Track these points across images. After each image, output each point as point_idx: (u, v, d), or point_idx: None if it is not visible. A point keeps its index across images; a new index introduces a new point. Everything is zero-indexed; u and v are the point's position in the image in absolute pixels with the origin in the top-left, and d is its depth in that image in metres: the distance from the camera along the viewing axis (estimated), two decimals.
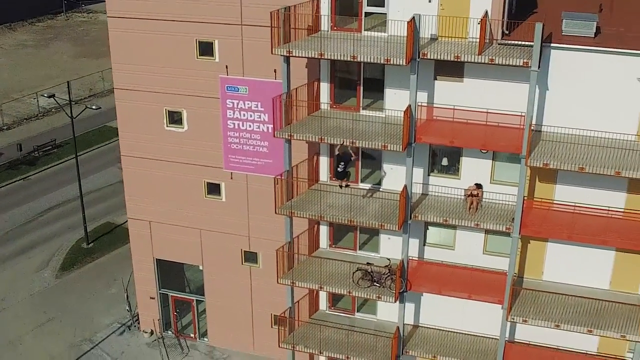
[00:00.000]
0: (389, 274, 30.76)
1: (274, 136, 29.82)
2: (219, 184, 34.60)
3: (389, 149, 28.08)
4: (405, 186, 29.34)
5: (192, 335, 39.16)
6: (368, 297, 31.09)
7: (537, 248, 31.16)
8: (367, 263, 31.57)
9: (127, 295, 40.13)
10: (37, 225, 51.22)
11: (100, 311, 41.77)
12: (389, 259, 31.94)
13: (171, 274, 38.59)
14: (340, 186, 30.45)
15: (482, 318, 32.46)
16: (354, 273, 31.33)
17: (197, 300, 38.25)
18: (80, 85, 75.09)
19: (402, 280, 31.03)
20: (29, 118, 69.34)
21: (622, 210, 29.31)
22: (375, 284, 31.07)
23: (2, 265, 46.51)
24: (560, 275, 31.28)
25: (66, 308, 42.13)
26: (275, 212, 30.89)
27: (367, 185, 32.09)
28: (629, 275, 30.44)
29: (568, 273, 31.11)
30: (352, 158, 29.66)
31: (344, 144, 28.87)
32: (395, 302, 30.78)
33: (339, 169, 29.78)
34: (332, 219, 30.19)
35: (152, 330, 39.19)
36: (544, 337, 31.94)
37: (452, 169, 31.05)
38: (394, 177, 31.19)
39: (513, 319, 29.82)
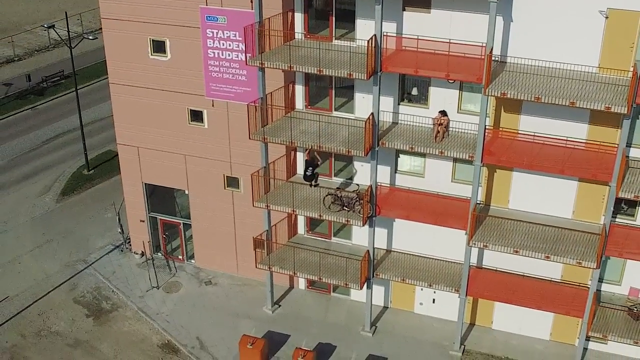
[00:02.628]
0: (357, 199, 31.94)
1: (246, 64, 30.85)
2: (201, 111, 35.76)
3: (354, 76, 28.99)
4: (372, 114, 30.29)
5: (180, 257, 40.81)
6: (338, 220, 32.33)
7: (503, 177, 32.16)
8: (337, 188, 32.78)
9: (119, 219, 41.72)
10: (42, 153, 52.93)
11: (96, 234, 43.50)
12: (357, 185, 33.15)
13: (162, 198, 40.01)
14: (311, 185, 33.03)
15: (450, 244, 33.70)
16: (324, 198, 32.57)
17: (184, 223, 39.76)
18: (92, 17, 76.23)
19: (371, 206, 32.21)
20: (40, 50, 70.72)
21: (583, 141, 30.09)
22: (345, 208, 32.29)
23: (7, 190, 48.29)
24: (525, 204, 32.30)
25: (64, 231, 43.90)
26: (249, 138, 32.10)
27: (340, 114, 33.10)
28: (591, 205, 31.38)
29: (533, 202, 32.12)
30: (319, 163, 32.83)
31: (312, 149, 31.51)
32: (363, 226, 32.01)
33: (307, 173, 32.47)
34: (303, 145, 31.31)
35: (142, 252, 40.86)
36: (511, 264, 33.14)
37: (422, 98, 31.92)
38: (366, 105, 32.15)
39: (474, 244, 30.97)
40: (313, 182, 33.13)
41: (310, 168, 32.48)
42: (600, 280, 32.86)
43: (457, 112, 31.41)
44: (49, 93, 61.60)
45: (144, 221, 40.10)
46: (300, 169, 35.21)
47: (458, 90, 31.10)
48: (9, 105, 59.47)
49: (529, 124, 30.52)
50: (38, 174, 50.20)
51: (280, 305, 37.47)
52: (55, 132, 55.82)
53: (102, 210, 45.64)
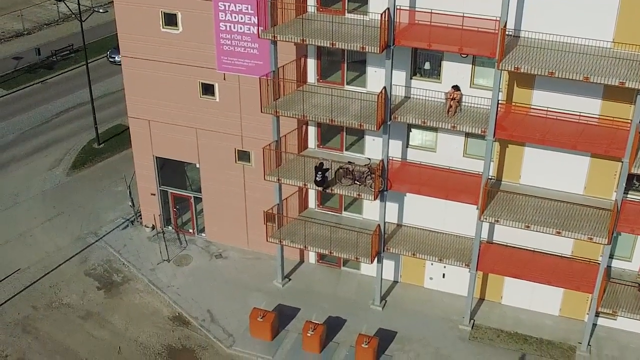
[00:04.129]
0: (369, 173, 31.94)
1: (259, 37, 30.76)
2: (212, 85, 35.70)
3: (366, 50, 28.89)
4: (385, 88, 30.21)
5: (190, 230, 40.94)
6: (349, 194, 32.35)
7: (515, 152, 32.10)
8: (348, 162, 32.76)
9: (129, 192, 41.81)
10: (52, 126, 53.00)
11: (106, 207, 43.64)
12: (369, 159, 33.16)
13: (173, 172, 40.09)
14: (324, 190, 32.85)
15: (461, 219, 33.74)
16: (336, 172, 32.58)
17: (195, 197, 39.84)
18: None
19: (382, 180, 32.21)
20: (49, 23, 70.57)
21: (597, 116, 29.98)
22: (356, 182, 32.31)
23: (18, 163, 48.42)
24: (537, 180, 32.27)
25: (75, 204, 44.05)
26: (261, 111, 32.08)
27: (352, 88, 33.03)
28: (603, 181, 31.32)
29: (545, 177, 32.09)
30: (328, 168, 32.46)
31: (322, 160, 32.36)
32: (374, 200, 32.03)
33: (317, 179, 32.08)
34: (314, 118, 31.30)
35: (153, 225, 41.00)
36: (522, 240, 33.16)
37: (434, 72, 31.81)
38: (378, 79, 32.07)
39: (485, 219, 30.97)
40: (323, 189, 33.06)
41: (320, 173, 32.36)
42: (611, 256, 32.89)
43: (470, 86, 31.31)
44: (59, 67, 61.56)
45: (154, 194, 40.21)
46: (312, 142, 35.19)
47: (471, 65, 30.97)
48: (19, 79, 59.47)
49: (542, 99, 30.40)
50: (49, 147, 50.29)
51: (290, 279, 37.62)
52: (66, 105, 55.84)
53: (112, 183, 45.76)
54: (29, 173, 47.33)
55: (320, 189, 32.57)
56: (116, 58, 58.75)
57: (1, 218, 42.80)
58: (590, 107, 29.94)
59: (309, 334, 32.80)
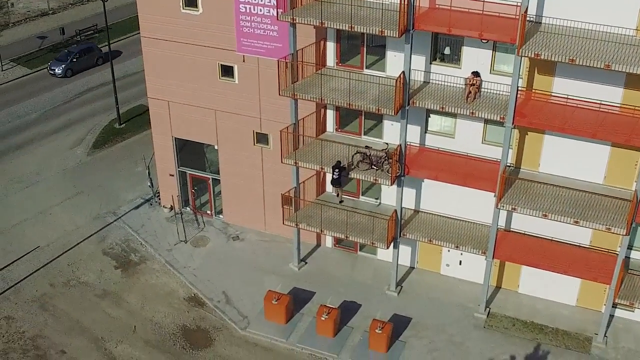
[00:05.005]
0: (386, 157, 31.76)
1: (278, 19, 30.61)
2: (232, 67, 35.62)
3: (385, 34, 28.64)
4: (403, 72, 29.97)
5: (208, 212, 41.02)
6: (366, 179, 32.21)
7: (534, 140, 31.77)
8: (366, 146, 32.59)
9: (148, 172, 41.91)
10: (75, 106, 53.31)
11: (126, 187, 43.84)
12: (386, 144, 32.97)
13: (192, 153, 40.12)
14: (337, 195, 34.28)
15: (479, 206, 33.51)
16: (353, 156, 32.44)
17: (213, 179, 39.88)
18: None
19: (400, 165, 32.03)
20: (74, 3, 70.87)
21: (618, 105, 29.57)
22: (373, 167, 32.15)
23: (40, 142, 48.79)
24: (556, 168, 31.94)
25: (94, 183, 44.31)
26: (279, 94, 31.97)
27: (371, 72, 32.81)
28: (623, 170, 30.92)
29: (564, 166, 31.75)
30: (345, 166, 32.51)
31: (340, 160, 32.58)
32: (391, 185, 31.87)
33: (334, 176, 32.38)
34: (332, 102, 31.14)
35: (171, 206, 41.13)
36: (540, 229, 32.87)
37: (454, 58, 31.51)
38: (397, 63, 31.83)
39: (503, 206, 30.70)
40: (339, 191, 34.11)
41: (337, 170, 32.33)
42: (630, 247, 32.52)
43: (490, 72, 31.00)
44: None
45: (173, 175, 40.31)
46: (330, 126, 35.05)
47: (491, 51, 30.63)
48: (43, 58, 59.83)
49: (563, 87, 30.02)
50: (70, 126, 50.62)
51: (306, 263, 37.61)
52: (88, 85, 56.14)
53: (132, 163, 45.93)
54: (51, 152, 47.66)
55: (336, 188, 33.03)
56: (56, 70, 56.85)
57: (22, 196, 43.16)
58: (611, 95, 29.52)
59: (323, 318, 32.79)
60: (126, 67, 58.04)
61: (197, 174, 40.26)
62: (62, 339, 33.70)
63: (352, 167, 32.31)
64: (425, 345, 32.94)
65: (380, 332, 31.96)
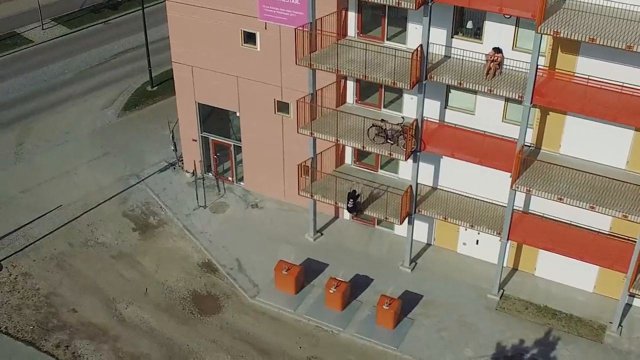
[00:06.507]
0: (401, 132, 31.20)
1: None
2: (254, 33, 35.26)
3: (402, 5, 27.95)
4: (421, 45, 29.28)
5: (230, 178, 40.96)
6: (381, 153, 31.70)
7: (556, 120, 30.87)
8: (382, 120, 32.02)
9: (172, 136, 41.91)
10: (110, 67, 53.57)
11: (152, 150, 44.00)
12: (402, 118, 32.38)
13: (219, 120, 39.99)
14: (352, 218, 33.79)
15: (498, 186, 32.74)
16: (369, 129, 31.93)
17: (235, 146, 39.73)
18: None
19: (415, 140, 31.43)
20: None
21: None
22: (388, 141, 31.61)
23: (73, 102, 49.20)
24: (578, 150, 31.04)
25: (121, 145, 44.57)
26: (296, 63, 31.56)
27: (392, 44, 32.16)
28: None
29: (586, 149, 30.84)
30: (359, 194, 33.16)
31: (354, 185, 33.35)
32: (405, 160, 31.32)
33: (349, 205, 32.80)
34: (348, 73, 30.62)
35: (194, 171, 41.16)
36: (559, 212, 32.00)
37: (476, 32, 30.67)
38: (418, 36, 31.08)
39: (518, 187, 29.96)
40: (354, 216, 33.81)
41: (351, 200, 32.54)
42: None
43: (512, 49, 30.09)
44: (123, 8, 62.13)
45: (196, 140, 40.28)
46: (350, 97, 34.56)
47: (514, 27, 29.70)
48: (83, 19, 60.22)
49: (587, 67, 29.01)
50: (104, 87, 50.93)
51: (322, 234, 37.37)
52: (125, 47, 56.36)
53: (160, 127, 46.02)
54: (82, 112, 48.05)
55: (352, 215, 32.89)
56: None
57: (51, 154, 43.66)
58: (637, 77, 28.39)
59: (331, 291, 32.59)
60: (163, 29, 57.83)
61: (219, 139, 40.14)
62: (75, 297, 34.13)
63: (369, 140, 31.75)
64: (434, 324, 32.53)
65: (387, 308, 31.65)
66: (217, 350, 31.56)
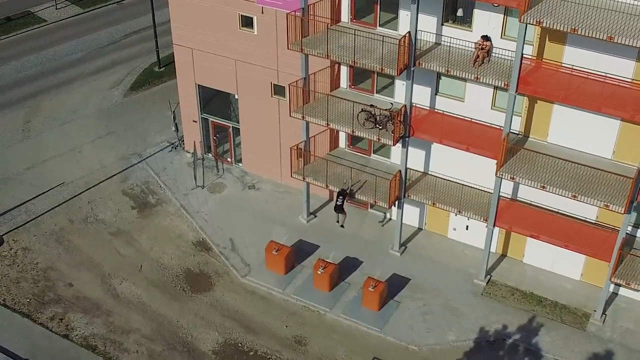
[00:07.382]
0: (390, 117, 31.62)
1: None
2: (251, 17, 35.75)
3: None
4: (409, 32, 29.64)
5: (229, 159, 41.62)
6: (369, 138, 32.16)
7: (543, 109, 31.14)
8: (371, 105, 32.45)
9: (174, 117, 42.54)
10: (119, 47, 54.31)
11: (155, 130, 44.73)
12: (391, 103, 32.79)
13: (222, 102, 40.55)
14: (338, 221, 35.34)
15: (486, 173, 33.06)
16: (358, 114, 32.39)
17: (234, 127, 40.34)
18: None
19: (404, 126, 31.85)
20: None
21: (629, 79, 28.67)
22: (377, 126, 32.05)
23: (81, 81, 50.01)
24: (565, 139, 31.29)
25: (126, 124, 45.34)
26: (288, 48, 32.04)
27: (384, 30, 32.52)
28: (633, 147, 30.06)
29: (573, 138, 31.07)
30: (348, 192, 33.83)
31: (345, 183, 33.76)
32: (393, 145, 31.76)
33: (337, 203, 33.95)
34: (338, 59, 31.06)
35: (194, 151, 41.81)
36: (547, 200, 32.36)
37: (466, 20, 30.95)
38: (410, 23, 31.37)
39: (502, 174, 30.31)
40: (340, 218, 34.85)
41: (340, 197, 33.67)
42: (637, 225, 31.75)
43: (501, 37, 30.36)
44: None
45: (196, 121, 40.94)
46: (343, 82, 35.01)
47: (503, 15, 29.95)
48: None
49: (574, 57, 29.22)
50: (113, 67, 51.67)
51: (316, 216, 37.95)
52: (135, 27, 57.05)
53: (165, 107, 46.52)
54: (90, 91, 48.84)
55: (337, 214, 34.44)
56: None
57: (57, 133, 44.52)
58: (623, 68, 28.59)
59: (319, 272, 33.19)
60: None
61: (218, 121, 40.77)
62: (71, 272, 35.04)
63: (358, 124, 32.22)
64: (419, 307, 33.05)
65: (372, 290, 32.21)
66: (205, 327, 32.33)
